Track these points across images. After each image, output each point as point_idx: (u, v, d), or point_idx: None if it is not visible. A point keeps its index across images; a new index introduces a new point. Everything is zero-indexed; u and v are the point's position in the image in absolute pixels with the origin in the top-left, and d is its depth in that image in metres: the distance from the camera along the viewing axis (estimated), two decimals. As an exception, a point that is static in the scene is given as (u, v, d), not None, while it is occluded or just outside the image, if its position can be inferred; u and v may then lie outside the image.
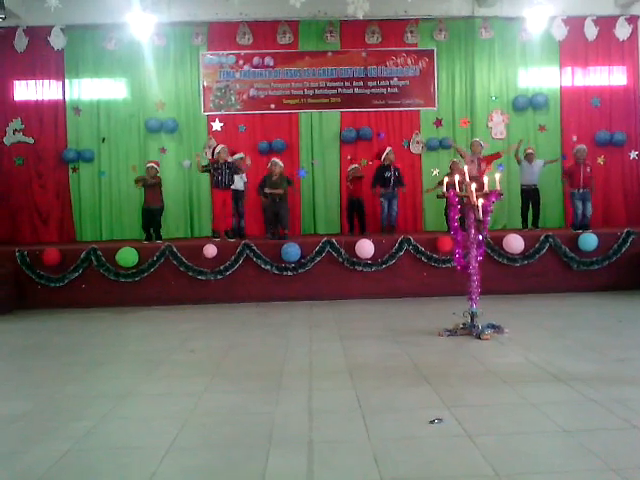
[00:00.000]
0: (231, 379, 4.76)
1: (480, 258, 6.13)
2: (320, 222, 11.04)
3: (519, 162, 9.96)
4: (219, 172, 9.21)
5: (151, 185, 9.62)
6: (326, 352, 5.57)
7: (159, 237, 9.63)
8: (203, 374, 4.89)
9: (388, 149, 9.84)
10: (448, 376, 4.61)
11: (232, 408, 4.01)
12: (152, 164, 9.86)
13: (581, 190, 9.38)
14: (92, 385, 4.72)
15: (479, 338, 5.84)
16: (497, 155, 9.70)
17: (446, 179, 6.36)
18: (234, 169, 9.33)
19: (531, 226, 9.92)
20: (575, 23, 10.64)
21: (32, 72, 10.94)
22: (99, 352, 5.83)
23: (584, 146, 9.69)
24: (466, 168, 6.21)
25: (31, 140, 10.92)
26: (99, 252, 8.39)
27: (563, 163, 10.64)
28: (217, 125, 10.95)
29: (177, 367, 5.20)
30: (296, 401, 4.09)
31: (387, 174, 9.54)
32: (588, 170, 9.44)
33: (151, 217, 9.64)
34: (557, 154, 10.85)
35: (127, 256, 8.27)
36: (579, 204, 9.41)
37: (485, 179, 6.14)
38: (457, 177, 6.12)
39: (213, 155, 9.51)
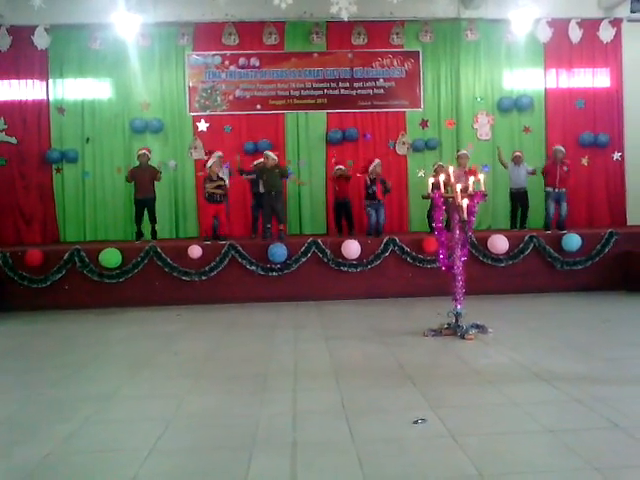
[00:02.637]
0: (215, 381, 4.73)
1: (464, 258, 6.14)
2: (306, 222, 11.03)
3: (506, 167, 10.00)
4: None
5: (141, 173, 9.49)
6: (311, 353, 5.55)
7: (154, 233, 9.54)
8: (187, 376, 4.85)
9: (376, 162, 9.59)
10: (433, 377, 4.61)
11: (216, 410, 3.98)
12: (144, 150, 9.75)
13: (556, 189, 9.46)
14: (75, 387, 4.66)
15: (463, 338, 5.85)
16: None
17: (431, 179, 6.37)
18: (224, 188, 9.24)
19: (519, 227, 9.96)
20: (560, 25, 10.71)
21: (16, 71, 10.82)
22: (82, 354, 5.75)
23: (562, 147, 9.79)
24: (451, 170, 6.22)
25: (14, 140, 10.81)
26: (82, 253, 8.32)
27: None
28: (203, 125, 10.90)
29: (161, 369, 5.16)
30: (280, 403, 4.06)
31: (373, 188, 9.44)
32: (565, 169, 9.52)
33: (143, 207, 9.53)
34: (542, 155, 10.93)
35: (110, 257, 8.21)
36: (552, 204, 9.51)
37: (470, 180, 6.17)
38: (442, 178, 6.13)
39: (205, 166, 9.39)
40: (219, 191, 9.08)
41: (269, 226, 9.09)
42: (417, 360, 5.15)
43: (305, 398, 4.17)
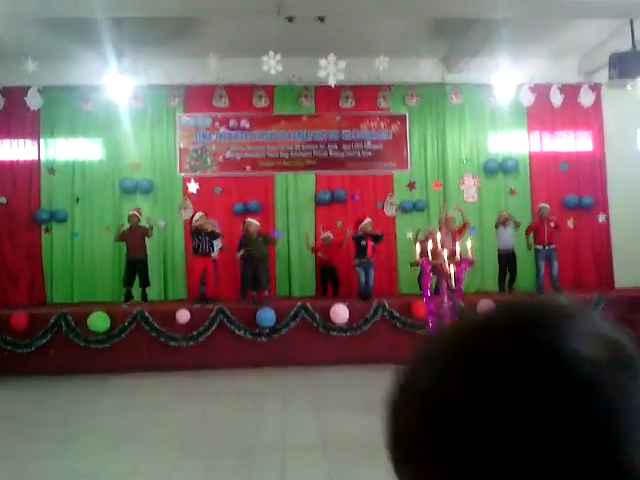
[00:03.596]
0: (201, 456, 4.63)
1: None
2: (295, 284, 10.98)
3: (496, 227, 10.14)
4: (200, 240, 9.17)
5: (133, 233, 9.51)
6: (300, 425, 5.46)
7: (145, 296, 9.47)
8: (172, 450, 4.75)
9: (367, 220, 9.72)
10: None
11: (201, 493, 3.88)
12: (134, 212, 9.78)
13: (546, 247, 9.56)
14: (60, 462, 4.54)
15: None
16: (466, 225, 9.56)
17: (418, 248, 6.40)
18: (213, 235, 9.29)
19: (507, 290, 9.98)
20: (541, 90, 10.99)
21: (7, 132, 10.90)
22: (67, 425, 5.63)
23: (547, 204, 9.96)
24: (439, 237, 6.28)
25: (3, 200, 10.80)
26: (69, 317, 8.21)
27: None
28: (193, 187, 10.97)
29: (146, 442, 5.04)
30: (268, 483, 3.98)
31: (362, 243, 9.51)
32: (552, 225, 9.65)
33: (135, 269, 9.49)
34: (528, 217, 11.03)
35: (99, 322, 8.11)
36: (542, 263, 9.58)
37: (457, 246, 6.22)
38: (430, 245, 6.18)
39: (192, 222, 9.45)
40: (211, 228, 9.13)
41: (254, 293, 9.10)
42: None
43: (293, 476, 4.09)
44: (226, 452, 4.68)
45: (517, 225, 10.02)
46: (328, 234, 10.23)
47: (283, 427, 5.39)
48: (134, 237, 9.53)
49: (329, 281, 10.07)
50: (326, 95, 11.01)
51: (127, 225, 9.71)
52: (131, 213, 9.74)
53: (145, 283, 9.53)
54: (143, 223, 9.76)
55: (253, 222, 9.34)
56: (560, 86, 11.14)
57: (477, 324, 0.55)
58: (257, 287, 9.15)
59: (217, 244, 9.72)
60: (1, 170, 10.89)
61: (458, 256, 6.10)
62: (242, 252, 9.27)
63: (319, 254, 10.17)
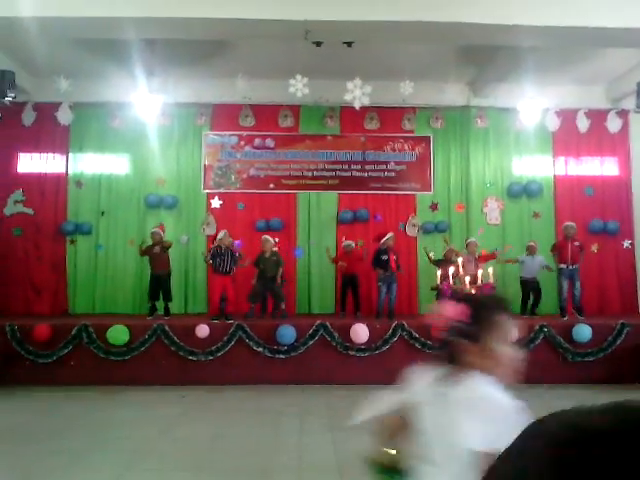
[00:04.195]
0: (217, 475, 4.63)
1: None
2: (315, 301, 11.01)
3: (520, 261, 10.04)
4: (221, 258, 9.26)
5: (156, 250, 9.65)
6: (316, 446, 5.44)
7: (167, 310, 9.57)
8: (187, 468, 4.76)
9: (390, 234, 9.76)
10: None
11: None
12: (156, 229, 9.91)
13: (569, 266, 9.46)
14: (72, 478, 4.57)
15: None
16: (492, 256, 9.51)
17: (439, 271, 6.39)
18: (235, 258, 9.39)
19: (530, 313, 9.87)
20: (568, 115, 10.96)
21: (37, 145, 11.15)
22: (82, 439, 5.66)
23: (572, 223, 9.85)
24: (460, 261, 6.25)
25: (31, 211, 11.03)
26: (90, 329, 8.30)
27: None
28: (216, 202, 11.10)
29: (161, 459, 5.06)
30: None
31: (384, 257, 9.52)
32: (576, 244, 9.55)
33: (159, 283, 9.61)
34: (552, 240, 10.94)
35: (118, 334, 8.19)
36: (565, 282, 9.47)
37: (479, 272, 6.20)
38: (451, 270, 6.16)
39: (214, 241, 9.55)
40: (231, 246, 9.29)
41: (253, 306, 9.25)
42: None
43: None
44: (241, 472, 4.68)
45: (547, 268, 9.84)
46: (350, 242, 10.16)
47: (299, 447, 5.38)
48: (157, 254, 9.66)
49: (350, 292, 10.00)
50: (351, 116, 11.07)
51: (149, 242, 9.79)
52: (154, 230, 9.86)
53: (167, 298, 9.63)
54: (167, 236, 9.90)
55: (269, 240, 9.47)
56: (587, 111, 11.09)
57: (578, 426, 0.46)
58: (265, 302, 9.33)
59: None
60: (30, 182, 11.12)
61: (480, 281, 6.07)
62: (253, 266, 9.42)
63: (339, 263, 10.13)
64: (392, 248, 9.61)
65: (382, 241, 9.69)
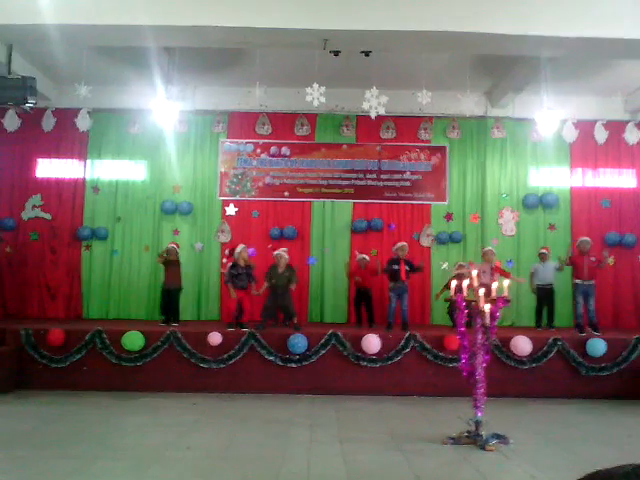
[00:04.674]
0: (225, 484, 4.63)
1: (485, 364, 6.03)
2: (327, 310, 11.01)
3: (532, 272, 10.00)
4: (239, 278, 9.26)
5: (171, 265, 9.71)
6: (325, 457, 5.41)
7: (176, 319, 9.60)
8: (198, 476, 4.76)
9: (400, 244, 9.75)
10: (450, 494, 4.44)
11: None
12: (173, 245, 9.99)
13: (585, 282, 9.36)
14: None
15: (483, 449, 5.67)
16: (507, 274, 9.27)
17: (454, 282, 6.35)
18: (252, 275, 9.38)
19: (545, 325, 9.79)
20: (585, 127, 10.85)
21: (56, 151, 11.30)
22: (93, 445, 5.67)
23: (587, 238, 9.77)
24: (475, 273, 6.21)
25: (48, 216, 11.16)
26: (104, 334, 8.34)
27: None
28: (231, 210, 11.15)
29: (171, 467, 5.06)
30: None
31: (395, 267, 9.49)
32: (592, 259, 9.46)
33: (169, 297, 9.69)
34: (567, 253, 10.88)
35: (134, 340, 8.22)
36: (581, 298, 9.37)
37: (493, 284, 6.15)
38: (466, 282, 6.11)
39: (233, 255, 9.55)
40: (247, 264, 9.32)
41: (264, 320, 9.13)
42: (434, 473, 4.99)
43: (316, 512, 4.05)
44: (250, 481, 4.68)
45: (560, 269, 9.79)
46: (364, 256, 10.09)
47: (309, 457, 5.35)
48: (171, 268, 9.73)
49: (363, 306, 9.97)
50: (367, 125, 11.07)
51: (166, 254, 9.84)
52: (170, 246, 9.92)
53: (175, 319, 9.60)
54: (181, 243, 9.96)
55: (284, 255, 9.43)
56: (605, 122, 10.98)
57: None
58: (277, 316, 9.36)
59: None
60: (48, 187, 11.26)
61: (494, 294, 6.02)
62: (266, 285, 9.32)
63: (355, 278, 10.09)
64: (404, 258, 9.56)
65: (393, 249, 9.68)
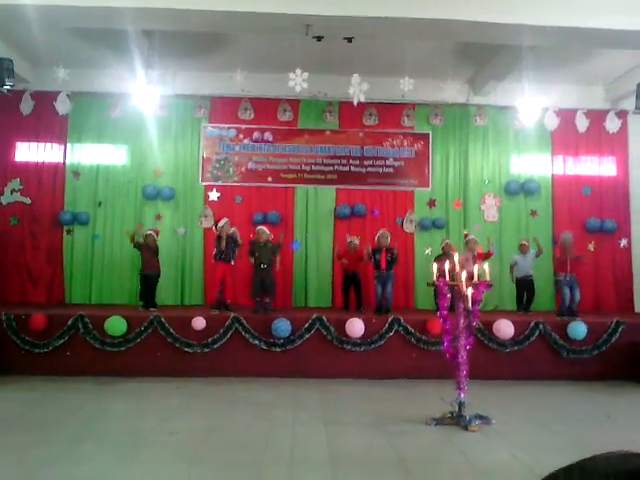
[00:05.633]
0: (210, 467, 4.65)
1: (468, 347, 6.12)
2: (311, 295, 11.04)
3: (513, 264, 10.13)
4: (222, 245, 9.25)
5: (147, 250, 9.64)
6: (309, 439, 5.46)
7: (154, 304, 9.57)
8: (182, 460, 4.77)
9: (381, 231, 9.72)
10: (432, 473, 4.51)
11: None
12: (151, 232, 9.90)
13: (567, 277, 9.47)
14: (68, 468, 4.57)
15: (466, 429, 5.76)
16: (489, 254, 9.30)
17: (435, 266, 6.39)
18: (236, 244, 9.38)
19: (523, 311, 9.91)
20: (567, 115, 10.93)
21: (35, 135, 11.11)
22: (76, 429, 5.65)
23: (569, 233, 9.88)
24: (457, 258, 6.26)
25: (28, 200, 11.00)
26: (86, 319, 8.30)
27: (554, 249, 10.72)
28: (214, 195, 11.10)
29: (156, 450, 5.07)
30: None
31: (377, 256, 9.52)
32: (576, 257, 9.58)
33: (146, 283, 9.64)
34: (549, 239, 11.02)
35: (116, 325, 8.18)
36: (566, 290, 9.49)
37: (475, 269, 6.21)
38: (447, 265, 6.17)
39: (216, 228, 9.53)
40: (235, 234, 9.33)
41: (258, 299, 9.16)
42: (418, 454, 5.06)
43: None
44: (235, 464, 4.70)
45: (539, 253, 9.93)
46: (353, 239, 10.08)
47: (292, 440, 5.39)
48: (148, 255, 9.66)
49: (352, 289, 9.99)
50: (350, 111, 11.04)
51: (142, 240, 9.75)
52: (148, 232, 9.83)
53: (152, 302, 9.56)
54: (163, 228, 9.88)
55: (265, 231, 9.49)
56: (586, 111, 11.08)
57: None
58: (264, 294, 9.25)
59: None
60: (27, 171, 11.09)
61: (476, 278, 6.08)
62: (251, 260, 9.36)
63: (342, 260, 10.08)
64: (386, 246, 9.54)
65: (375, 239, 9.68)
